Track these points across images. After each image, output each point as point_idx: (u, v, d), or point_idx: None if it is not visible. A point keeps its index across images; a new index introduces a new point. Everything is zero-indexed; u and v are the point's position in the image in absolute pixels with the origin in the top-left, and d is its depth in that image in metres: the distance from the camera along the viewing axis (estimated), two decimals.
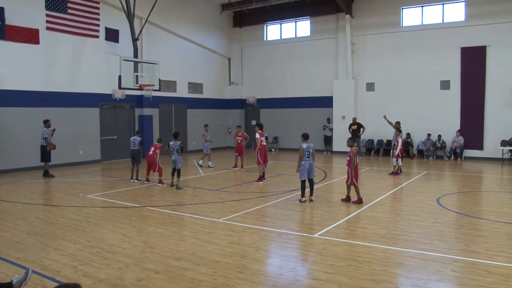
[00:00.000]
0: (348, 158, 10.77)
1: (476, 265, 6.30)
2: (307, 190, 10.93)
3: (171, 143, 13.20)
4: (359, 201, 10.60)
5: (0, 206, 10.80)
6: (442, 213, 9.61)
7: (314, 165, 10.99)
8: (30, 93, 16.84)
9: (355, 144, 11.13)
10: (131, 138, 14.71)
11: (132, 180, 14.23)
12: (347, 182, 10.79)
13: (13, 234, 8.09)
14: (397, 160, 15.45)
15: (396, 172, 15.46)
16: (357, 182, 10.67)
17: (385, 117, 17.57)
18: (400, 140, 15.38)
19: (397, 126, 16.30)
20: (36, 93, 17.02)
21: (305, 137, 11.10)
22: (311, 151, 10.84)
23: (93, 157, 19.39)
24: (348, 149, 10.87)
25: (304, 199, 10.77)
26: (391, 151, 15.57)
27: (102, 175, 16.45)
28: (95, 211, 10.12)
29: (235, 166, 17.35)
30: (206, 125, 18.86)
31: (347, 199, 10.81)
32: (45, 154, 15.47)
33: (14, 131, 16.35)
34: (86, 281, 5.76)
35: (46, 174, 15.44)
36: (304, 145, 10.78)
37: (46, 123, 15.50)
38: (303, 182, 10.80)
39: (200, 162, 18.37)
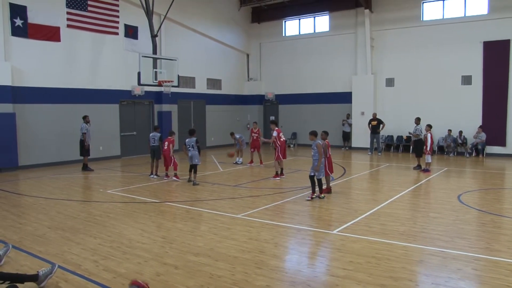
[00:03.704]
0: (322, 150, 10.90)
1: (498, 264, 6.18)
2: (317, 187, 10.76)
3: (187, 140, 13.28)
4: (328, 191, 11.13)
5: (23, 200, 11.04)
6: (463, 211, 9.47)
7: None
8: (52, 89, 17.11)
9: (328, 136, 11.23)
10: (151, 134, 14.82)
11: (152, 176, 14.35)
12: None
13: (36, 228, 8.25)
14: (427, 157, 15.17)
15: (426, 169, 15.11)
16: (331, 173, 11.22)
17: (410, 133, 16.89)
18: (429, 136, 15.07)
19: (417, 122, 16.05)
20: (57, 89, 17.29)
21: (316, 134, 10.83)
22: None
23: (113, 152, 19.62)
24: None
25: (323, 195, 10.70)
26: (423, 147, 15.21)
27: (122, 170, 16.63)
28: (115, 206, 10.24)
29: (251, 161, 17.34)
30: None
31: (328, 190, 11.17)
32: (83, 148, 15.92)
33: (36, 127, 16.64)
34: (106, 275, 5.84)
35: (85, 168, 15.96)
36: (321, 142, 10.62)
37: (85, 118, 15.99)
38: (321, 180, 10.67)
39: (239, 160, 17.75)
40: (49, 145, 17.00)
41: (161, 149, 14.32)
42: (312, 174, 10.56)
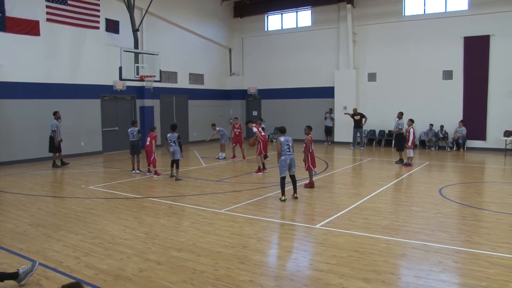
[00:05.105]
0: (304, 145, 11.12)
1: (478, 256, 6.29)
2: (290, 188, 10.28)
3: (168, 135, 13.23)
4: (311, 185, 11.33)
5: (3, 197, 10.84)
6: (444, 204, 9.59)
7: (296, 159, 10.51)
8: (31, 84, 16.80)
9: (311, 131, 11.36)
10: (129, 130, 14.64)
11: (133, 171, 14.23)
12: (305, 169, 11.33)
13: (16, 225, 8.11)
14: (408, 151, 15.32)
15: (409, 164, 15.28)
16: (314, 167, 11.35)
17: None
18: (411, 131, 15.25)
19: (400, 117, 16.21)
20: (37, 84, 16.98)
21: (282, 130, 10.53)
22: (290, 144, 10.10)
23: (94, 148, 19.40)
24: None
25: (284, 197, 9.93)
26: (405, 142, 15.42)
27: (104, 166, 16.45)
28: (97, 202, 10.13)
29: (234, 156, 17.34)
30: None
31: (311, 185, 11.34)
32: (52, 145, 15.67)
33: (15, 123, 16.35)
34: (88, 272, 5.78)
35: (54, 165, 15.74)
36: (282, 138, 10.05)
37: (55, 114, 15.72)
38: (283, 179, 9.94)
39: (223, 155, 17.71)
40: (29, 141, 16.70)
41: (140, 143, 14.29)
42: (291, 173, 10.21)
